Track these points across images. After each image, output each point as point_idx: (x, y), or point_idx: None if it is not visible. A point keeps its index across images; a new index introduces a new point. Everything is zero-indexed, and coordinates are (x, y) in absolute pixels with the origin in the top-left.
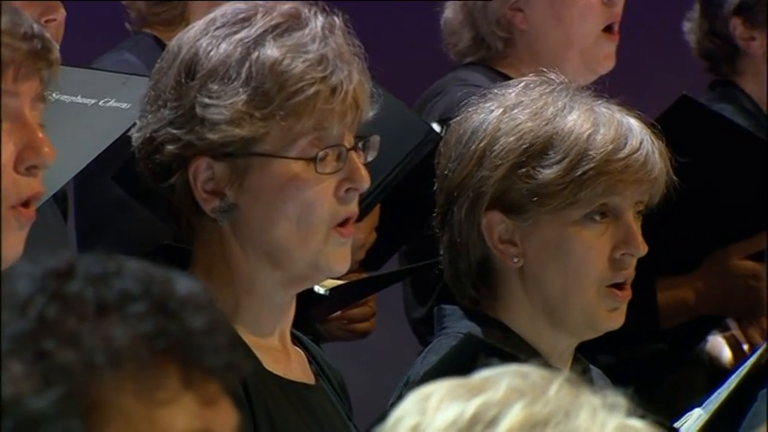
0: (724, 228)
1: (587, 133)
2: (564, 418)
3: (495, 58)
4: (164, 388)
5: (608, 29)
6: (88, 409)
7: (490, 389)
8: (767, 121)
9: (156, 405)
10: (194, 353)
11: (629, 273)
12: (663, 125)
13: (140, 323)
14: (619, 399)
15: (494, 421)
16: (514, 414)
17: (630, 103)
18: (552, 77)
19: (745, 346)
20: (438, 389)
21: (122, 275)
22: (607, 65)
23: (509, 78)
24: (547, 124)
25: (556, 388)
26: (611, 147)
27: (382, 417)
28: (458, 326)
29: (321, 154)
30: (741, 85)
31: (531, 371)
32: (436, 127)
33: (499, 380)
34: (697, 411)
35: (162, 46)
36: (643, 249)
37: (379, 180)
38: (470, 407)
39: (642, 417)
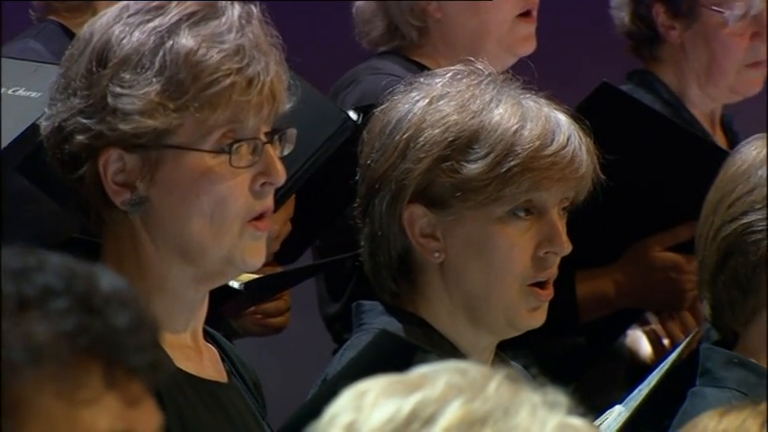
0: (645, 218)
1: (514, 128)
2: (503, 415)
3: (409, 47)
4: (86, 387)
5: (525, 14)
6: (7, 408)
7: (428, 386)
8: (686, 111)
9: (78, 405)
10: (118, 351)
11: (551, 272)
12: (583, 113)
13: (62, 320)
14: (559, 397)
15: (431, 419)
16: (453, 411)
17: (558, 95)
18: (480, 68)
19: (666, 341)
20: (374, 385)
21: (44, 270)
22: (527, 47)
23: (424, 68)
24: (473, 118)
25: (495, 385)
26: (537, 143)
27: (297, 414)
28: (376, 322)
29: (236, 147)
30: (659, 73)
31: (469, 367)
32: (353, 115)
33: (437, 376)
34: (618, 408)
35: (68, 33)
36: (567, 248)
37: (295, 170)
38: (407, 404)
39: (582, 415)
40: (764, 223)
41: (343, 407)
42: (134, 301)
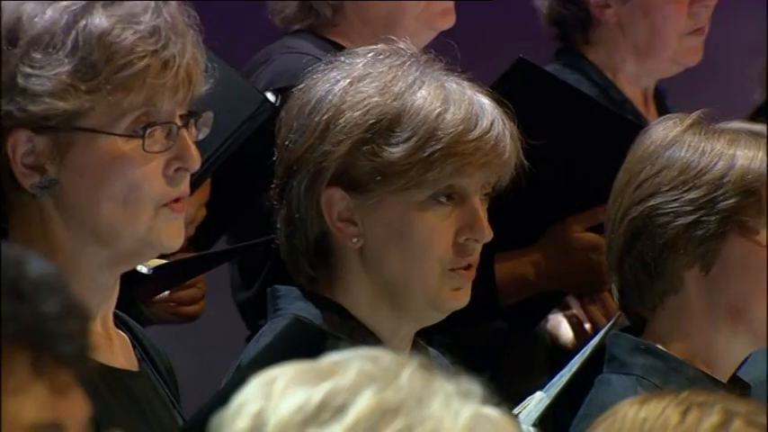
0: (565, 198)
1: (437, 112)
2: (416, 405)
3: (323, 25)
4: (12, 376)
5: None
6: None
7: (339, 374)
8: (615, 90)
9: (4, 394)
10: (46, 339)
11: (473, 258)
12: (499, 89)
13: None
14: (473, 386)
15: (342, 408)
16: (364, 401)
17: (480, 71)
18: (402, 48)
19: (587, 326)
20: (284, 373)
21: None
22: (446, 20)
23: (339, 47)
24: (395, 100)
25: (408, 374)
26: (461, 127)
27: (212, 401)
28: (292, 307)
29: (150, 131)
30: (589, 54)
31: (382, 355)
32: (271, 97)
33: (349, 365)
34: (538, 395)
35: None
36: (488, 235)
37: (210, 153)
38: (318, 393)
39: (497, 404)
40: (672, 206)
41: (251, 395)
42: (63, 287)
